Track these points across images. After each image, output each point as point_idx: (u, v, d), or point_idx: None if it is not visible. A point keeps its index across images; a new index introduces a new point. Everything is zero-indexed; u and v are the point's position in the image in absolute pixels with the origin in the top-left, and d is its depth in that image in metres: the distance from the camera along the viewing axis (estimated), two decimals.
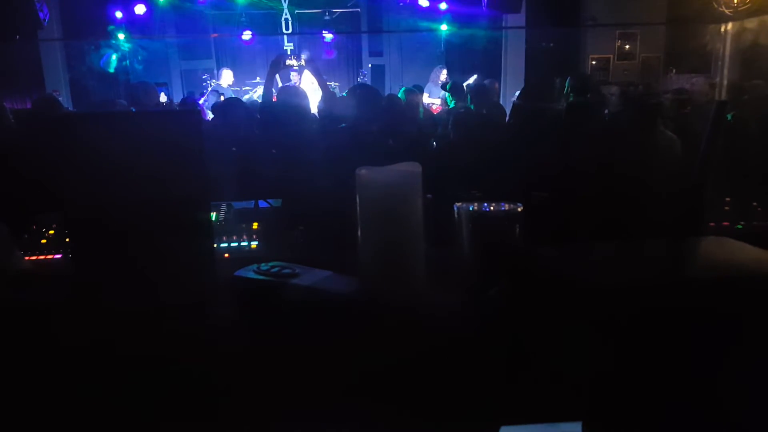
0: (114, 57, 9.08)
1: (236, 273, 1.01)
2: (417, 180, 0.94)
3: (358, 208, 0.95)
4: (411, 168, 0.94)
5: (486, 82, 6.10)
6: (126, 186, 0.93)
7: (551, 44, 9.63)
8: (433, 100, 7.91)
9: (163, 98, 8.07)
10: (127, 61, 9.22)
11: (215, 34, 10.24)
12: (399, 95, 4.90)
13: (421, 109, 5.13)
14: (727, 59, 8.57)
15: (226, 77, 8.77)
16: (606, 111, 4.19)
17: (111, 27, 8.95)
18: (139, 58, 9.29)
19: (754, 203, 2.71)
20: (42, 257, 2.42)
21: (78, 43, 9.38)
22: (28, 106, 7.08)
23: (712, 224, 2.53)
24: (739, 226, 2.62)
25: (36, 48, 8.58)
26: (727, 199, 2.70)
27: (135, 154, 0.93)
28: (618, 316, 0.84)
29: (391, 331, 0.87)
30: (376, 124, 3.09)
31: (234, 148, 3.38)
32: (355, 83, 8.90)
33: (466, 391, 0.84)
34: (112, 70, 9.05)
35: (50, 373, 0.82)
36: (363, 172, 0.94)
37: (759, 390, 0.85)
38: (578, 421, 0.85)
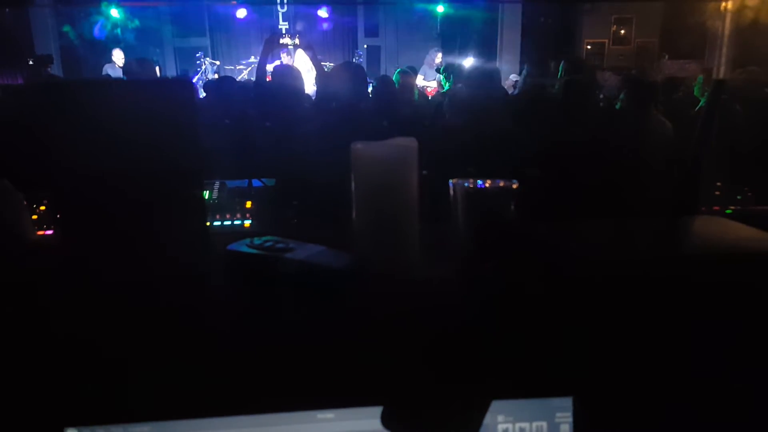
0: (107, 25, 8.97)
1: (229, 247, 1.01)
2: (413, 155, 0.94)
3: (353, 183, 0.94)
4: (407, 143, 0.94)
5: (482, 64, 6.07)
6: (117, 158, 0.92)
7: (549, 20, 9.59)
8: (427, 83, 7.87)
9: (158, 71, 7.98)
10: (119, 30, 9.10)
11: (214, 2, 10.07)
12: (394, 77, 4.87)
13: (416, 91, 5.10)
14: (725, 40, 8.56)
15: (117, 58, 8.16)
16: (601, 95, 4.20)
17: (104, 2, 8.83)
18: (130, 27, 9.16)
19: (745, 188, 2.73)
20: (36, 232, 2.40)
21: (69, 12, 9.24)
22: (19, 80, 6.98)
23: (703, 208, 2.55)
24: (729, 211, 2.64)
25: (26, 16, 8.45)
26: (718, 183, 2.72)
27: (126, 123, 0.92)
28: (610, 291, 0.84)
29: (384, 305, 0.87)
30: (363, 103, 3.08)
31: (227, 120, 3.36)
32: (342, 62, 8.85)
33: (458, 366, 0.84)
34: (104, 39, 8.94)
35: (40, 350, 0.82)
36: (358, 146, 0.93)
37: (751, 367, 0.86)
38: (569, 396, 0.86)
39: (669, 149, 3.09)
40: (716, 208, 2.67)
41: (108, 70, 7.91)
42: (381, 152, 0.93)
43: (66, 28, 9.12)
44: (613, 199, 2.25)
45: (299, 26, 9.68)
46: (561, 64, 4.51)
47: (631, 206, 2.29)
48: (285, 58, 8.49)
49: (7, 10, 7.24)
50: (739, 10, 8.04)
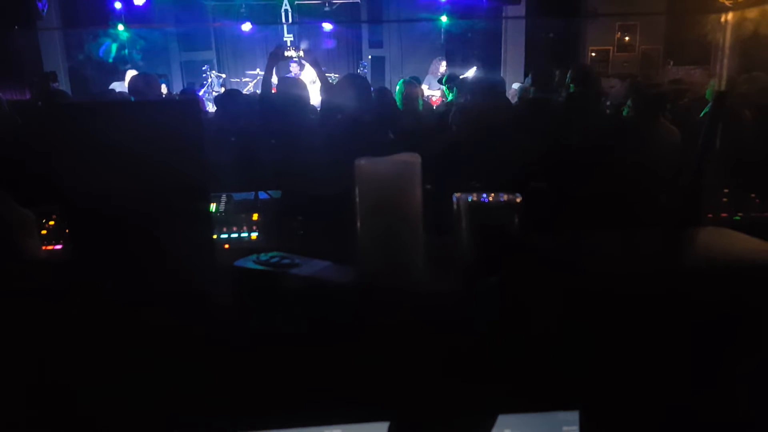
0: (113, 46, 9.04)
1: (236, 263, 1.01)
2: (416, 170, 0.94)
3: (357, 198, 0.95)
4: (410, 158, 0.95)
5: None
6: (125, 175, 0.93)
7: (551, 34, 9.60)
8: (432, 92, 7.88)
9: (163, 90, 7.97)
10: (126, 51, 9.17)
11: (218, 24, 10.16)
12: (398, 87, 4.88)
13: (420, 101, 5.11)
14: (727, 50, 8.55)
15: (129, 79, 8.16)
16: (608, 103, 4.19)
17: (111, 20, 8.91)
18: (138, 47, 9.24)
19: (752, 194, 2.71)
20: (43, 248, 2.42)
21: (77, 33, 9.34)
22: (27, 96, 7.07)
23: (710, 215, 2.53)
24: (737, 218, 2.62)
25: (35, 38, 8.54)
26: (726, 190, 2.70)
27: (134, 143, 0.93)
28: (615, 304, 0.84)
29: (390, 320, 0.87)
30: (368, 115, 3.09)
31: (233, 138, 3.38)
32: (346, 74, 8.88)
33: (464, 380, 0.84)
34: (111, 60, 9.01)
35: (51, 367, 0.82)
36: (362, 162, 0.94)
37: (757, 380, 0.85)
38: (575, 409, 0.86)
39: (677, 157, 3.08)
40: (724, 215, 2.66)
41: (117, 88, 7.91)
42: (385, 168, 0.93)
43: (74, 49, 9.21)
44: (621, 209, 2.24)
45: (304, 40, 9.76)
46: (568, 73, 4.51)
47: (639, 215, 2.28)
48: (294, 69, 8.54)
49: (16, 28, 7.33)
50: (740, 22, 8.04)
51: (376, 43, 11.37)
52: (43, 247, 2.41)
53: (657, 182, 2.64)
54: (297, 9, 10.00)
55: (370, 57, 11.11)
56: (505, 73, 9.56)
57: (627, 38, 10.33)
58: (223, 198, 2.77)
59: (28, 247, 1.25)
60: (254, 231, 2.56)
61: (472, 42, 10.22)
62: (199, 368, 0.82)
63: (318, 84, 4.59)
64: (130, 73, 7.91)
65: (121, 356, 0.82)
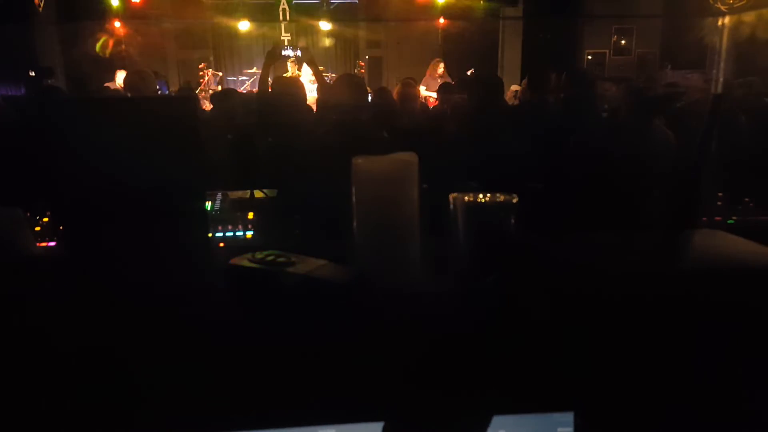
0: (110, 42, 9.02)
1: (231, 261, 1.01)
2: (413, 169, 0.94)
3: (354, 197, 0.95)
4: (407, 157, 0.94)
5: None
6: (120, 173, 0.93)
7: (549, 35, 9.63)
8: (429, 93, 7.89)
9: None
10: (123, 45, 9.15)
11: (216, 21, 10.14)
12: (396, 88, 4.89)
13: (418, 102, 5.12)
14: (723, 54, 8.58)
15: (120, 79, 7.68)
16: (605, 106, 4.21)
17: (108, 17, 8.89)
18: (134, 41, 9.22)
19: (746, 198, 2.73)
20: (36, 245, 2.40)
21: (73, 28, 9.30)
22: (22, 91, 7.04)
23: (704, 219, 2.54)
24: (731, 221, 2.64)
25: (31, 33, 8.50)
26: (720, 194, 2.71)
27: (130, 140, 0.93)
28: (611, 306, 0.84)
29: (385, 319, 0.87)
30: (364, 114, 3.09)
31: (229, 136, 3.38)
32: (343, 74, 8.87)
33: (459, 380, 0.84)
34: (107, 55, 8.99)
35: (46, 368, 0.82)
36: (359, 161, 0.94)
37: (751, 383, 0.86)
38: (570, 411, 0.86)
39: (672, 160, 3.09)
40: (718, 218, 2.66)
41: (111, 87, 7.87)
42: (382, 167, 0.93)
43: (70, 45, 9.19)
44: (616, 211, 2.25)
45: (301, 39, 9.76)
46: (563, 76, 4.52)
47: (634, 218, 2.29)
48: (291, 67, 8.54)
49: (11, 25, 7.30)
50: (737, 26, 8.08)
51: (373, 44, 11.38)
52: (37, 244, 2.40)
53: (652, 185, 2.65)
54: (295, 8, 10.00)
55: (367, 57, 11.12)
56: (502, 75, 9.57)
57: (623, 41, 10.39)
58: (219, 196, 2.77)
59: (21, 243, 1.25)
60: (250, 230, 2.56)
61: (469, 44, 10.25)
62: (192, 367, 0.82)
63: (314, 84, 4.59)
64: (121, 73, 7.88)
65: (114, 355, 0.81)
